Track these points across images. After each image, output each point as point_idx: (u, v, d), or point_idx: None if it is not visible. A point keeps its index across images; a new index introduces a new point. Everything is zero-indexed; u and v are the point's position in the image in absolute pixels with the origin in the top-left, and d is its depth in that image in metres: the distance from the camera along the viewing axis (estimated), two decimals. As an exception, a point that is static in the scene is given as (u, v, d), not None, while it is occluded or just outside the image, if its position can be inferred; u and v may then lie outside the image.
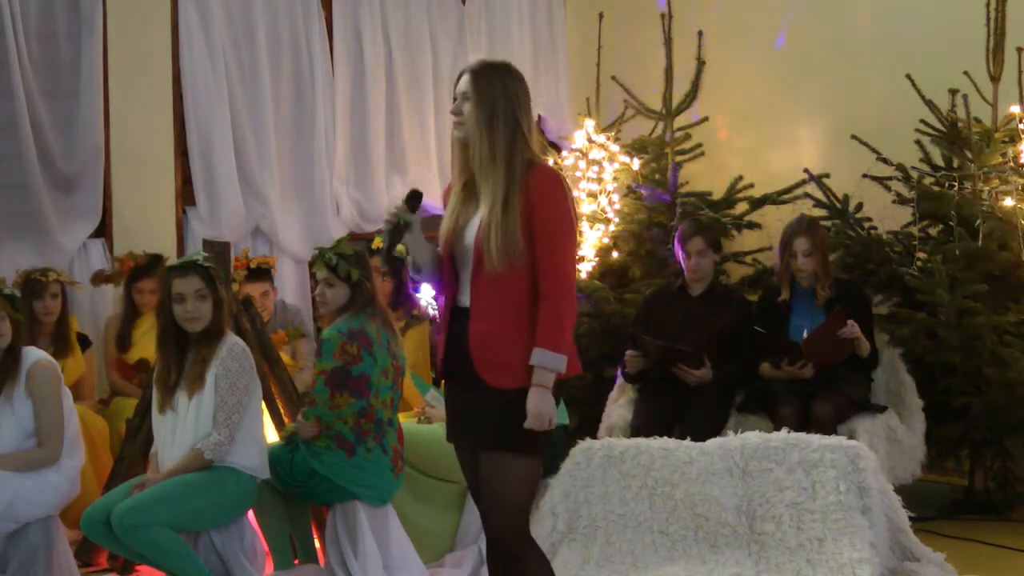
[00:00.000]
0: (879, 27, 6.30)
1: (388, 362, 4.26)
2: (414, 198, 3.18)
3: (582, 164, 6.64)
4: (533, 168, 3.08)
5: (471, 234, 3.09)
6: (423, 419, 4.82)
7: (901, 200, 5.71)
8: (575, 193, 6.60)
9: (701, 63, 6.44)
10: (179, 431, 4.04)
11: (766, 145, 6.79)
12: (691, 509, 4.14)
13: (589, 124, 6.70)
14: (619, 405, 5.43)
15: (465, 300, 3.13)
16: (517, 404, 3.03)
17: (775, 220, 5.98)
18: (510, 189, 3.04)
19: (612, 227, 6.46)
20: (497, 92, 3.08)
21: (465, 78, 3.12)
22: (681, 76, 6.47)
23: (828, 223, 5.71)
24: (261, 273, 5.79)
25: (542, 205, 3.03)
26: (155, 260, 5.67)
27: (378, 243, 5.55)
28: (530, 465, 3.10)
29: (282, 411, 4.74)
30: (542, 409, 3.01)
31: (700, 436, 4.35)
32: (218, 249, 4.60)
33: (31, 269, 5.36)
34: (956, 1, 5.87)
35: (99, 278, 5.76)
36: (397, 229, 3.16)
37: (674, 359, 5.09)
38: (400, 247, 5.48)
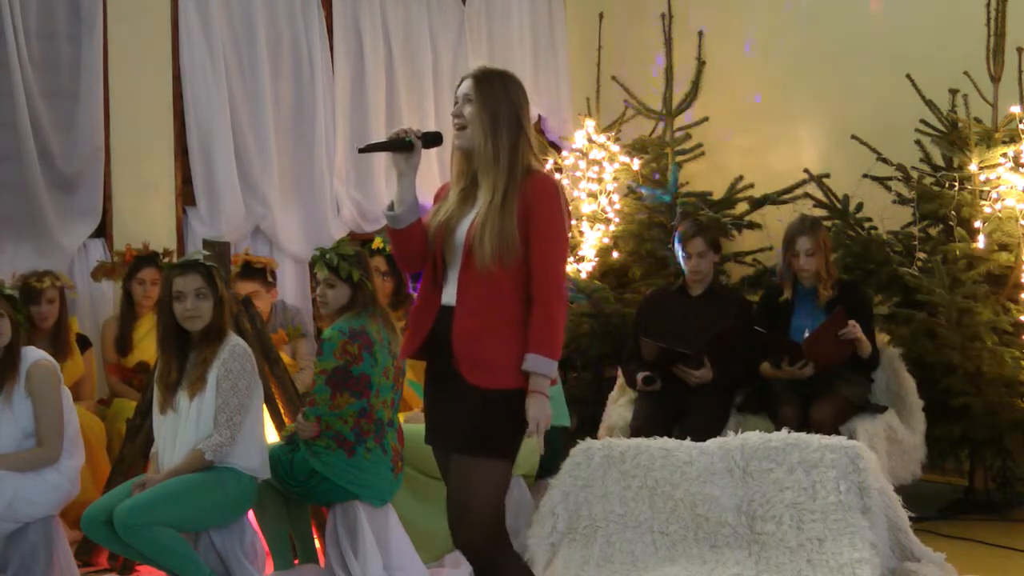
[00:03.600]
0: (879, 27, 6.30)
1: (389, 362, 4.26)
2: (433, 136, 3.20)
3: (582, 164, 6.65)
4: (532, 174, 3.10)
5: (463, 231, 3.10)
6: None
7: (901, 200, 5.71)
8: (575, 193, 6.61)
9: (701, 63, 6.45)
10: (180, 432, 4.05)
11: (766, 145, 6.80)
12: (691, 509, 4.14)
13: (589, 124, 6.70)
14: (619, 405, 5.44)
15: (450, 299, 3.12)
16: (496, 406, 3.03)
17: (775, 220, 6.00)
18: (509, 191, 3.05)
19: (612, 227, 6.46)
20: (500, 96, 3.11)
21: (467, 82, 3.14)
22: (681, 76, 6.47)
23: (828, 223, 5.71)
24: (253, 272, 5.76)
25: (539, 211, 3.05)
26: (157, 253, 5.67)
27: (378, 243, 5.55)
28: (501, 469, 3.09)
29: (282, 411, 4.74)
30: (544, 414, 3.02)
31: (700, 436, 4.35)
32: (218, 249, 4.60)
33: (28, 273, 5.35)
34: (956, 1, 5.87)
35: (100, 270, 5.74)
36: (398, 142, 3.14)
37: (674, 360, 5.09)
38: (378, 240, 5.50)
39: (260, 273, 5.81)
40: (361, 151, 3.29)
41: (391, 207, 3.16)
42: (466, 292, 3.08)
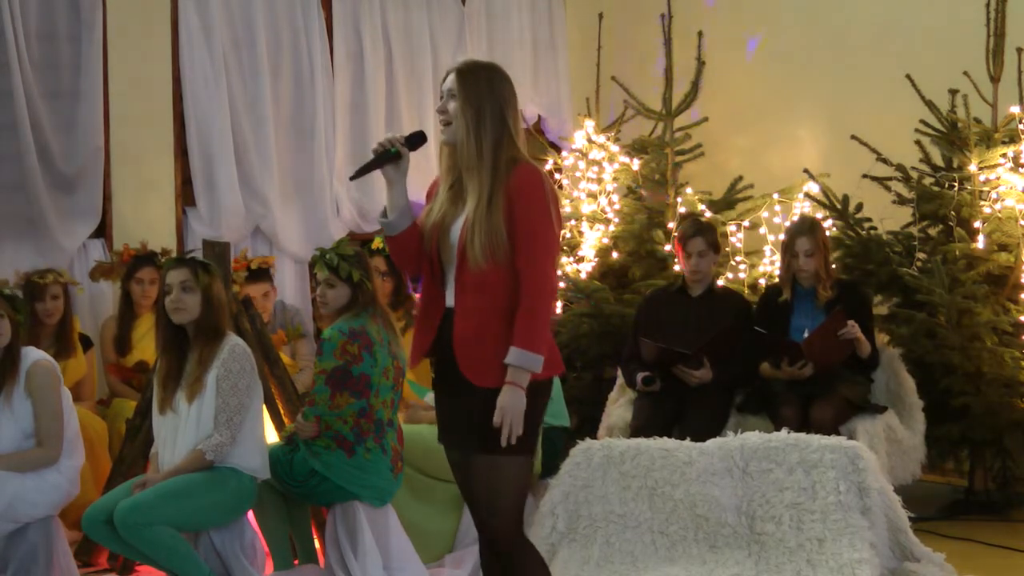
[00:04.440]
0: (879, 27, 6.30)
1: (389, 362, 4.26)
2: (417, 137, 3.19)
3: (582, 164, 6.65)
4: (516, 167, 3.06)
5: (456, 232, 3.09)
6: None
7: (901, 200, 5.71)
8: (575, 193, 6.61)
9: (701, 63, 6.45)
10: (180, 432, 4.05)
11: (766, 145, 6.79)
12: (691, 509, 4.14)
13: (589, 124, 6.70)
14: (619, 405, 5.44)
15: (451, 300, 3.11)
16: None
17: (775, 221, 6.00)
18: (494, 187, 3.03)
19: (612, 227, 6.46)
20: (484, 91, 3.08)
21: (451, 77, 3.12)
22: (681, 76, 6.47)
23: (828, 223, 5.71)
24: (261, 274, 5.79)
25: (522, 203, 3.02)
26: (155, 253, 5.68)
27: (378, 243, 5.55)
28: (522, 464, 3.09)
29: (282, 411, 4.74)
30: (513, 407, 2.98)
31: (700, 436, 4.35)
32: (218, 249, 4.60)
33: (32, 271, 5.36)
34: (956, 1, 5.87)
35: (98, 271, 5.74)
36: (384, 155, 3.12)
37: (673, 360, 5.09)
38: (378, 240, 5.50)
39: (267, 273, 5.83)
40: (353, 178, 3.29)
41: (384, 214, 3.16)
42: (463, 293, 3.07)
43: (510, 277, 3.03)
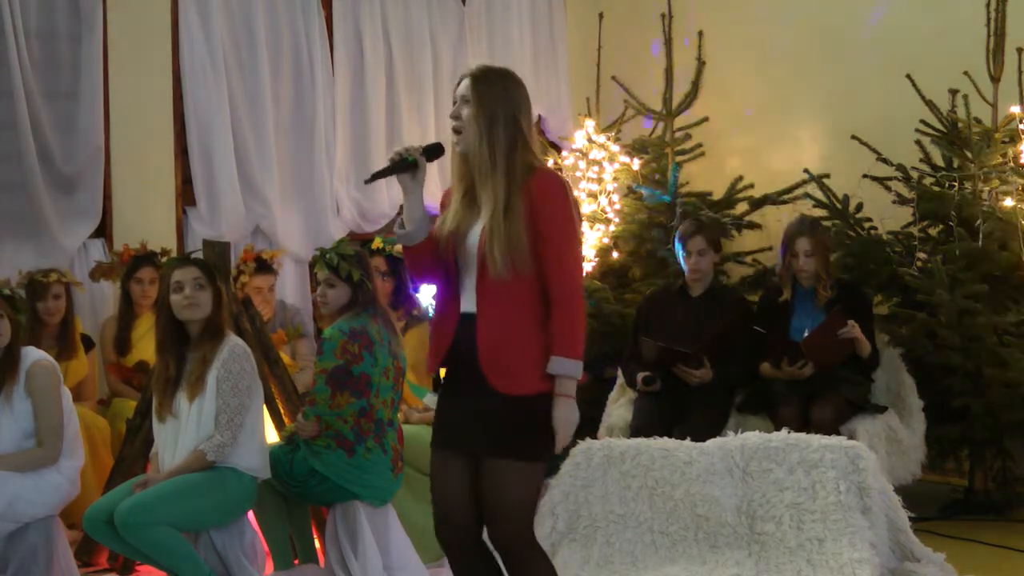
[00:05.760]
0: (879, 27, 6.31)
1: (389, 362, 4.26)
2: (435, 148, 3.16)
3: (582, 164, 6.65)
4: (534, 172, 3.05)
5: (474, 239, 3.05)
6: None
7: (901, 200, 5.71)
8: (575, 193, 6.61)
9: (701, 63, 6.45)
10: (181, 436, 4.04)
11: (766, 145, 6.80)
12: (691, 509, 4.14)
13: (589, 124, 6.70)
14: (619, 405, 5.44)
15: (470, 306, 3.08)
16: (525, 410, 3.00)
17: (775, 220, 6.00)
18: (511, 194, 3.01)
19: (612, 227, 6.46)
20: (497, 97, 3.06)
21: (465, 83, 3.09)
22: (681, 76, 6.47)
23: (828, 223, 5.71)
24: (268, 266, 5.78)
25: (546, 209, 3.00)
26: (155, 252, 5.68)
27: (378, 243, 5.55)
28: (536, 470, 3.08)
29: (282, 411, 4.74)
30: (568, 420, 3.01)
31: (700, 436, 4.35)
32: (218, 249, 4.60)
33: (34, 270, 5.36)
34: (956, 1, 5.87)
35: (98, 271, 5.74)
36: (401, 163, 3.09)
37: (674, 359, 5.09)
38: (378, 240, 5.51)
39: (271, 267, 5.82)
40: (368, 182, 3.25)
41: (402, 225, 3.13)
42: (485, 300, 3.04)
43: (532, 284, 3.02)
